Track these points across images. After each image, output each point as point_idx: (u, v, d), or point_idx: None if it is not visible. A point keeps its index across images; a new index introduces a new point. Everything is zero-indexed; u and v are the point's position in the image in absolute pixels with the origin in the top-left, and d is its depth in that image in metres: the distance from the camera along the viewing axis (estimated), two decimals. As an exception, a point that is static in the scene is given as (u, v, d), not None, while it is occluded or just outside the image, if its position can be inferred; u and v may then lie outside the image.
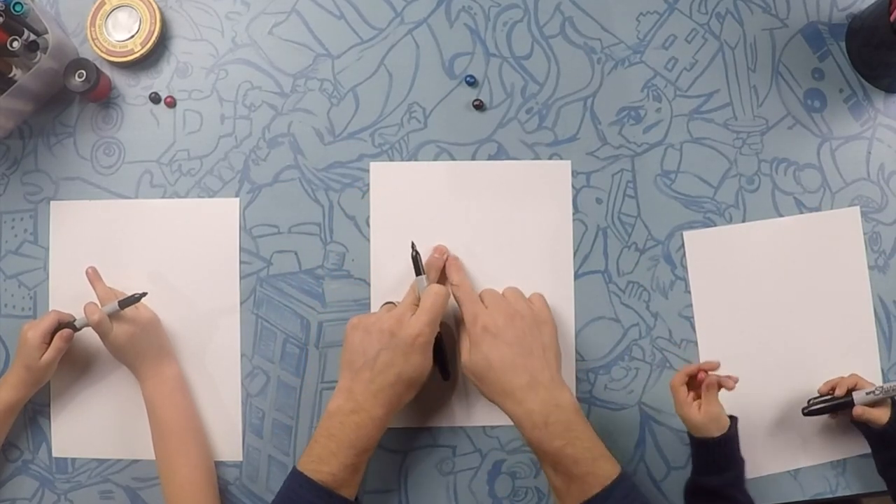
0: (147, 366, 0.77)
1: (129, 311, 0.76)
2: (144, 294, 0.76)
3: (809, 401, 0.77)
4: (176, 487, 0.74)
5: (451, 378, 0.78)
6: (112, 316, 0.75)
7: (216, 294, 0.81)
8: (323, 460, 0.67)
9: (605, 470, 0.66)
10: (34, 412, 0.80)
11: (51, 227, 0.82)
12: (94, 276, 0.79)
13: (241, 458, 0.80)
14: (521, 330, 0.72)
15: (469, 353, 0.72)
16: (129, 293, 0.76)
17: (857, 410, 0.74)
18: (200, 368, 0.81)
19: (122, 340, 0.75)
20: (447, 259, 0.78)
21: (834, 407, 0.76)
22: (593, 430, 0.68)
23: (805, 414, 0.77)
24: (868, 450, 0.78)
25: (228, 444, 0.80)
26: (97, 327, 0.75)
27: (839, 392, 0.75)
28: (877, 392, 0.73)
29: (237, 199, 0.82)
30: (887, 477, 0.75)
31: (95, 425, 0.80)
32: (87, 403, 0.81)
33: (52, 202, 0.83)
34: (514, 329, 0.71)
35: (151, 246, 0.82)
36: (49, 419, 0.81)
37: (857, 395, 0.74)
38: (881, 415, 0.73)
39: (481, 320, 0.72)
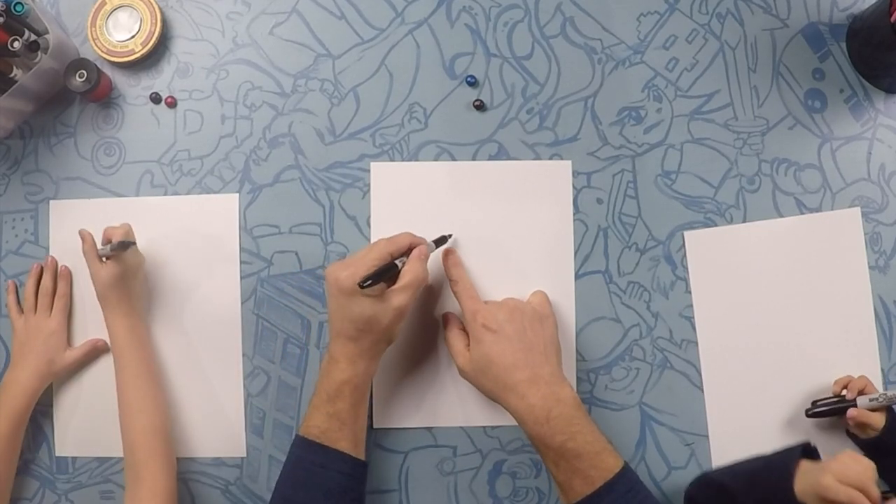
0: (126, 307, 0.77)
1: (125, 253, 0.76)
2: (133, 243, 0.77)
3: (814, 402, 0.77)
4: (132, 437, 0.74)
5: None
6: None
7: (217, 291, 0.81)
8: (310, 416, 0.71)
9: (608, 463, 0.66)
10: (35, 412, 0.80)
11: (50, 226, 0.82)
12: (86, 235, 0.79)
13: (244, 454, 0.80)
14: (521, 325, 0.72)
15: (469, 350, 0.72)
16: None
17: (852, 412, 0.73)
18: (201, 368, 0.81)
19: (110, 277, 0.75)
20: (445, 255, 0.78)
21: (837, 410, 0.75)
22: (595, 425, 0.68)
23: (808, 416, 0.77)
24: (868, 450, 0.78)
25: (230, 443, 0.80)
26: (88, 255, 0.76)
27: (850, 396, 0.75)
28: (880, 399, 0.73)
29: (236, 195, 0.82)
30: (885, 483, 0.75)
31: (98, 423, 0.80)
32: (89, 401, 0.81)
33: (51, 201, 0.83)
34: (513, 324, 0.71)
35: (151, 243, 0.81)
36: (51, 420, 0.81)
37: (860, 400, 0.74)
38: (878, 419, 0.73)
39: (481, 317, 0.72)
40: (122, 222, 0.80)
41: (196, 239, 0.82)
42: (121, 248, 0.75)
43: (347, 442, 0.69)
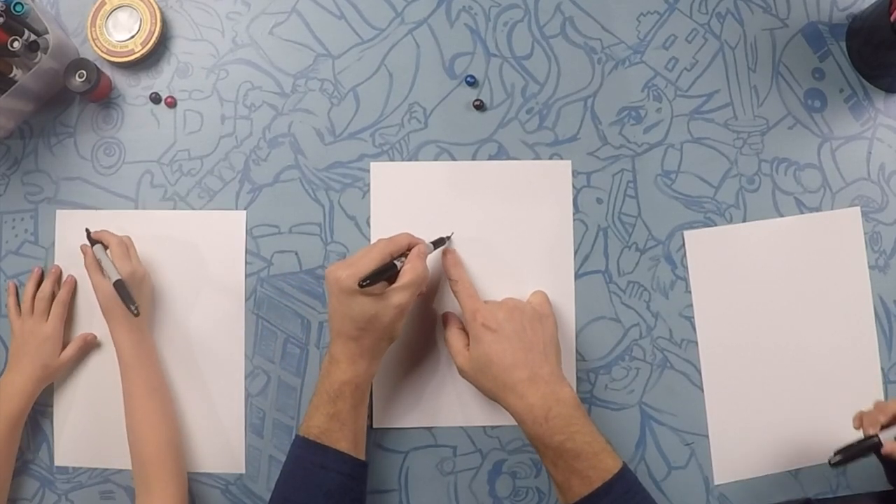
0: (131, 321, 0.76)
1: (125, 264, 0.75)
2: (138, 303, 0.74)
3: (836, 452, 0.70)
4: (143, 452, 0.74)
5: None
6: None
7: (220, 303, 0.81)
8: (310, 416, 0.71)
9: (607, 464, 0.66)
10: (35, 413, 0.80)
11: (56, 236, 0.82)
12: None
13: (243, 470, 0.80)
14: (521, 324, 0.72)
15: (468, 350, 0.72)
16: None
17: (888, 448, 0.68)
18: (202, 369, 0.81)
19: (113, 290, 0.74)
20: (445, 255, 0.78)
21: (861, 452, 0.69)
22: (594, 425, 0.68)
23: (832, 465, 0.70)
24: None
25: (230, 445, 0.80)
26: (90, 269, 0.76)
27: (872, 430, 0.69)
28: None
29: (244, 213, 0.82)
30: None
31: (96, 436, 0.80)
32: (87, 414, 0.81)
33: (58, 211, 0.82)
34: (513, 323, 0.71)
35: (157, 255, 0.81)
36: (51, 420, 0.81)
37: (883, 435, 0.69)
38: None
39: (481, 316, 0.72)
40: (124, 234, 0.79)
41: (202, 253, 0.81)
42: (119, 286, 0.73)
43: (348, 442, 0.69)
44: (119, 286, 0.73)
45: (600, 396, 0.80)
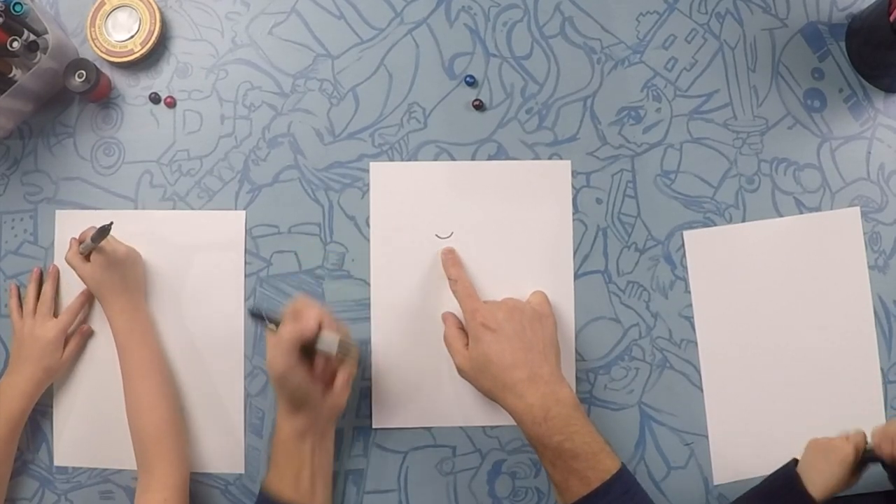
0: (123, 300, 0.77)
1: (105, 245, 0.75)
2: (111, 224, 0.74)
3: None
4: (142, 433, 0.74)
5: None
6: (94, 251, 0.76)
7: (221, 300, 0.81)
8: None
9: (605, 464, 0.66)
10: (35, 413, 0.80)
11: (56, 236, 0.82)
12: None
13: (243, 470, 0.80)
14: (521, 324, 0.72)
15: (468, 349, 0.72)
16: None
17: None
18: (202, 369, 0.80)
19: (97, 271, 0.75)
20: (444, 254, 0.78)
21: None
22: (593, 425, 0.68)
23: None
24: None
25: (230, 445, 0.80)
26: (71, 261, 0.76)
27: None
28: None
29: (244, 213, 0.82)
30: None
31: (96, 436, 0.80)
32: (89, 413, 0.80)
33: (57, 211, 0.82)
34: (513, 323, 0.71)
35: (156, 255, 0.81)
36: (50, 421, 0.81)
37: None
38: None
39: (480, 316, 0.72)
40: (124, 237, 0.79)
41: (202, 253, 0.81)
42: (100, 234, 0.73)
43: (290, 490, 0.70)
44: (99, 230, 0.72)
45: (600, 396, 0.80)
